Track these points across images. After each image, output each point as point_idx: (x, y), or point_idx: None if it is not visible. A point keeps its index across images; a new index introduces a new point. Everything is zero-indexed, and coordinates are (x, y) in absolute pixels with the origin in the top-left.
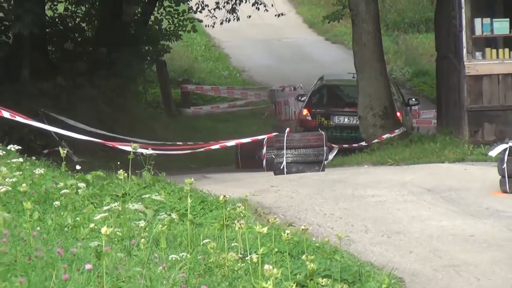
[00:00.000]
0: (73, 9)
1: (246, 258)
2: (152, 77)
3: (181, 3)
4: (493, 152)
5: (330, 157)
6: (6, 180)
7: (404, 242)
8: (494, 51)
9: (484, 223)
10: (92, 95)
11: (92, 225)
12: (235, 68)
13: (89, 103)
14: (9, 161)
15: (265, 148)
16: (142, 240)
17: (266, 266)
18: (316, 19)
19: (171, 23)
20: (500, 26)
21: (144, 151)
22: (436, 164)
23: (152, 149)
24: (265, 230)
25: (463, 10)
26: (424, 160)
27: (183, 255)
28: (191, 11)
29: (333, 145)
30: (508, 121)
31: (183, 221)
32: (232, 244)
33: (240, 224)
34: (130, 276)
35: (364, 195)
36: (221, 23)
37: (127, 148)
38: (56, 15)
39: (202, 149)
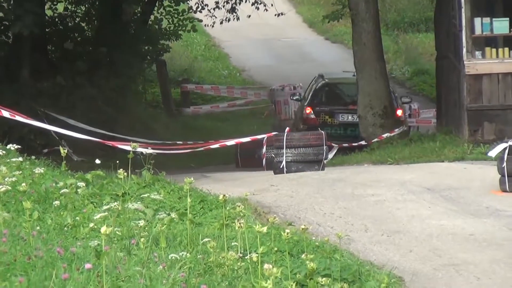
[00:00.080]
0: (73, 9)
1: (246, 258)
2: (152, 76)
3: (181, 3)
4: (493, 152)
5: (330, 156)
6: (6, 179)
7: (404, 241)
8: (494, 50)
9: (484, 222)
10: (92, 95)
11: (91, 225)
12: (235, 68)
13: (89, 103)
14: (9, 160)
15: (264, 147)
16: (142, 239)
17: (265, 266)
18: (316, 19)
19: (171, 22)
20: (500, 26)
21: (144, 150)
22: (436, 163)
23: (152, 149)
24: (264, 229)
25: (463, 10)
26: (424, 159)
27: (182, 255)
28: (191, 10)
29: (333, 144)
30: (508, 120)
31: (183, 220)
32: (232, 244)
33: (239, 223)
34: (129, 275)
35: (364, 194)
36: (221, 23)
37: (127, 147)
38: (56, 15)
39: (201, 149)
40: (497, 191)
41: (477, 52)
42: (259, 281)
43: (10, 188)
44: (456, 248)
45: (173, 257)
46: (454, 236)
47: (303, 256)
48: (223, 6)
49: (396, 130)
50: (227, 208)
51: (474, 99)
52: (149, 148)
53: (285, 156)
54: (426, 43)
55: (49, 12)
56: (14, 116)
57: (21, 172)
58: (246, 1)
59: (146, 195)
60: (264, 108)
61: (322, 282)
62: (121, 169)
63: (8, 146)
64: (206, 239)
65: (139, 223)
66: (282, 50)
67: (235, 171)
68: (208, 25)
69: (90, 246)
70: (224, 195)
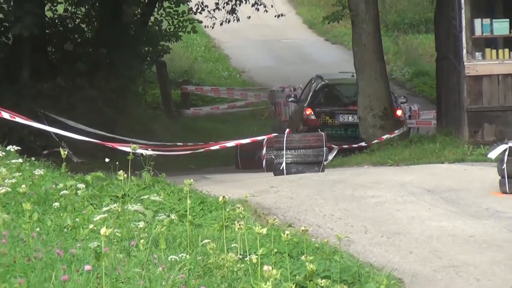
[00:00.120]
0: (73, 10)
1: (246, 259)
2: (152, 78)
3: (181, 4)
4: (493, 153)
5: (330, 157)
6: (6, 181)
7: (403, 242)
8: (494, 51)
9: (484, 224)
10: (92, 96)
11: (91, 226)
12: (235, 69)
13: (89, 104)
14: (8, 162)
15: (264, 148)
16: (142, 241)
17: (265, 267)
18: (316, 20)
19: (171, 24)
20: (500, 27)
21: (144, 151)
22: (436, 165)
23: (152, 150)
24: (264, 231)
25: (463, 11)
26: (424, 160)
27: (182, 256)
28: (191, 12)
29: (333, 145)
30: (508, 122)
31: (183, 222)
32: (232, 245)
33: (239, 225)
34: (129, 277)
35: (364, 196)
36: (221, 24)
37: (127, 149)
38: (56, 16)
39: (202, 150)
40: (497, 192)
41: (477, 53)
42: (259, 283)
43: (10, 189)
44: (456, 250)
45: (172, 259)
46: (454, 237)
47: (302, 257)
48: (223, 7)
49: (396, 131)
50: (227, 209)
51: (474, 100)
52: (149, 149)
53: (285, 158)
54: (426, 44)
55: (49, 14)
56: (14, 118)
57: (21, 173)
58: (246, 2)
59: (146, 196)
60: (264, 109)
61: (321, 283)
62: (121, 171)
63: (8, 148)
64: (206, 241)
65: (138, 224)
66: (282, 51)
67: (235, 172)
68: (208, 26)
69: (90, 248)
70: (224, 197)
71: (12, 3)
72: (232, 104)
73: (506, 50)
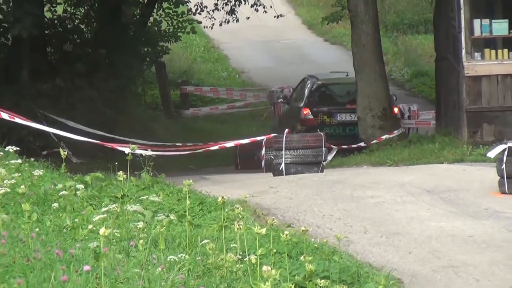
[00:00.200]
0: (72, 10)
1: (245, 259)
2: (151, 78)
3: (180, 5)
4: (492, 153)
5: (329, 158)
6: (5, 181)
7: (403, 243)
8: (493, 51)
9: (483, 224)
10: (91, 97)
11: (90, 226)
12: (234, 69)
13: (88, 105)
14: (8, 162)
15: (264, 149)
16: (141, 241)
17: (264, 267)
18: (315, 20)
19: (170, 24)
20: (499, 27)
21: (143, 152)
22: (435, 165)
23: (151, 150)
24: (263, 231)
25: (462, 11)
26: (423, 160)
27: (181, 256)
28: (190, 12)
29: (332, 146)
30: (507, 122)
31: (182, 222)
32: (231, 245)
33: (238, 225)
34: (128, 277)
35: (363, 196)
36: (220, 25)
37: (126, 149)
38: (55, 16)
39: (201, 150)
40: (496, 192)
41: (476, 54)
42: (258, 283)
43: (9, 190)
44: (455, 250)
45: (172, 259)
46: (453, 237)
47: (302, 258)
48: (222, 8)
49: (395, 131)
50: (226, 210)
51: (473, 101)
52: (148, 150)
53: (284, 158)
54: (426, 44)
55: (48, 14)
56: (14, 118)
57: (20, 174)
58: (245, 3)
59: (145, 197)
60: (263, 110)
61: (320, 284)
62: (121, 171)
63: (7, 148)
64: (205, 241)
65: (138, 225)
66: (281, 51)
67: (234, 173)
68: (207, 27)
69: (89, 248)
70: (223, 197)
71: (11, 4)
72: (231, 105)
73: (505, 50)
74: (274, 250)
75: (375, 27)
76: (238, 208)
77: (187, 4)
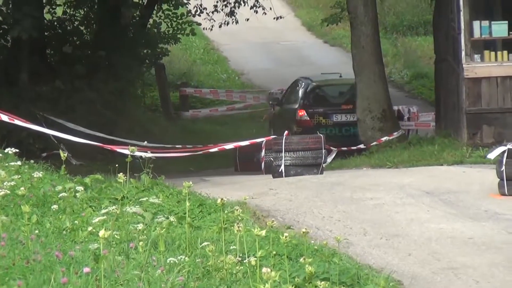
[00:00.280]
0: (72, 12)
1: (245, 261)
2: (151, 80)
3: (180, 6)
4: (492, 155)
5: (329, 159)
6: (5, 183)
7: (402, 244)
8: (492, 53)
9: (482, 226)
10: (90, 98)
11: (90, 228)
12: (233, 71)
13: (87, 106)
14: (7, 164)
15: (263, 151)
16: (141, 243)
17: (264, 269)
18: (314, 22)
19: (170, 26)
20: (499, 29)
21: (142, 154)
22: (435, 167)
23: (151, 152)
24: (263, 233)
25: (461, 13)
26: (422, 162)
27: (181, 258)
28: (189, 14)
29: (332, 147)
30: (507, 124)
31: (182, 224)
32: (231, 247)
33: (238, 227)
34: (128, 279)
35: (363, 198)
36: (220, 26)
37: (126, 151)
38: (54, 18)
39: (200, 152)
40: (496, 194)
41: (476, 55)
42: (258, 285)
43: (8, 192)
44: (455, 252)
45: (171, 261)
46: (453, 239)
47: (301, 259)
48: (222, 10)
49: (395, 133)
50: (226, 211)
51: (473, 103)
52: (148, 151)
53: (284, 160)
54: (425, 46)
55: (48, 16)
56: (13, 120)
57: (19, 176)
58: (244, 5)
59: (144, 198)
60: (263, 111)
61: (320, 285)
62: (121, 173)
63: (6, 150)
64: (205, 243)
65: (137, 226)
66: (280, 53)
67: (234, 174)
68: (206, 29)
69: (89, 250)
70: (222, 199)
71: (11, 6)
72: (231, 106)
73: (505, 52)
74: (274, 252)
75: (374, 28)
76: (237, 210)
77: (187, 6)
